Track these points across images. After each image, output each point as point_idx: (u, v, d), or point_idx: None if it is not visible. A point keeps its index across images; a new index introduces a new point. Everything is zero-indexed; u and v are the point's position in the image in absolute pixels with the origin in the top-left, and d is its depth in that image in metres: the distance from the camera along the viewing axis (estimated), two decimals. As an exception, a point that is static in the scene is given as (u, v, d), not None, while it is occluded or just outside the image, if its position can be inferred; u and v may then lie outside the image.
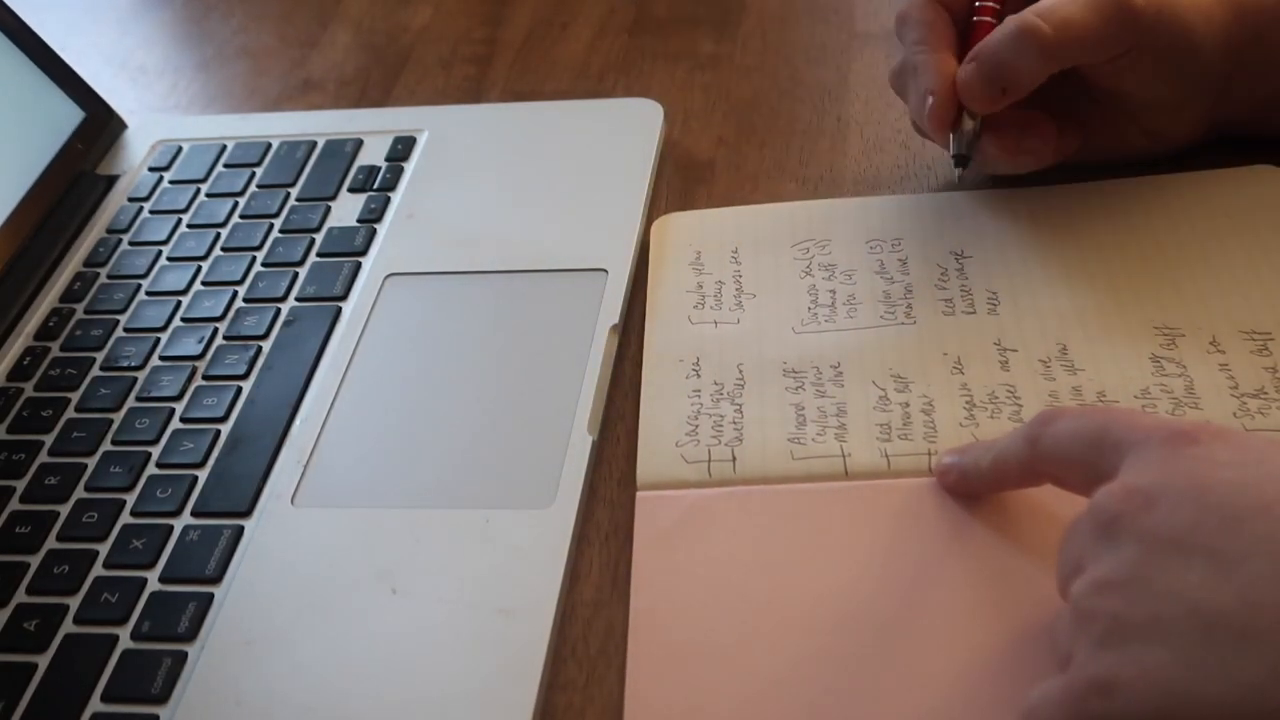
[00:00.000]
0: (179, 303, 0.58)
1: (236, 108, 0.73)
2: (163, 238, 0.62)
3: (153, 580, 0.47)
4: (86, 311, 0.59)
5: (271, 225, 0.61)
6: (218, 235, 0.62)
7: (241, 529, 0.48)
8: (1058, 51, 0.48)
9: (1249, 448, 0.34)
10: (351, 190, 0.63)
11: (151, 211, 0.64)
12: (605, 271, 0.55)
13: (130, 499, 0.50)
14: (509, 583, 0.44)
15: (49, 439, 0.53)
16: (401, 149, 0.65)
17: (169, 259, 0.61)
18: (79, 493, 0.50)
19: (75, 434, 0.53)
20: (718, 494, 0.46)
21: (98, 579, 0.47)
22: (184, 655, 0.44)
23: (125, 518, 0.49)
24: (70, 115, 0.67)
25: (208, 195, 0.64)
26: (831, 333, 0.51)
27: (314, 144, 0.66)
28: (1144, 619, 0.32)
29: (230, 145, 0.67)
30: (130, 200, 0.65)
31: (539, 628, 0.43)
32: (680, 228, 0.58)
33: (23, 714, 0.43)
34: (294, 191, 0.63)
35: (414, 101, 0.70)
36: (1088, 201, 0.54)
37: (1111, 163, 0.55)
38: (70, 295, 0.60)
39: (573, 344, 0.52)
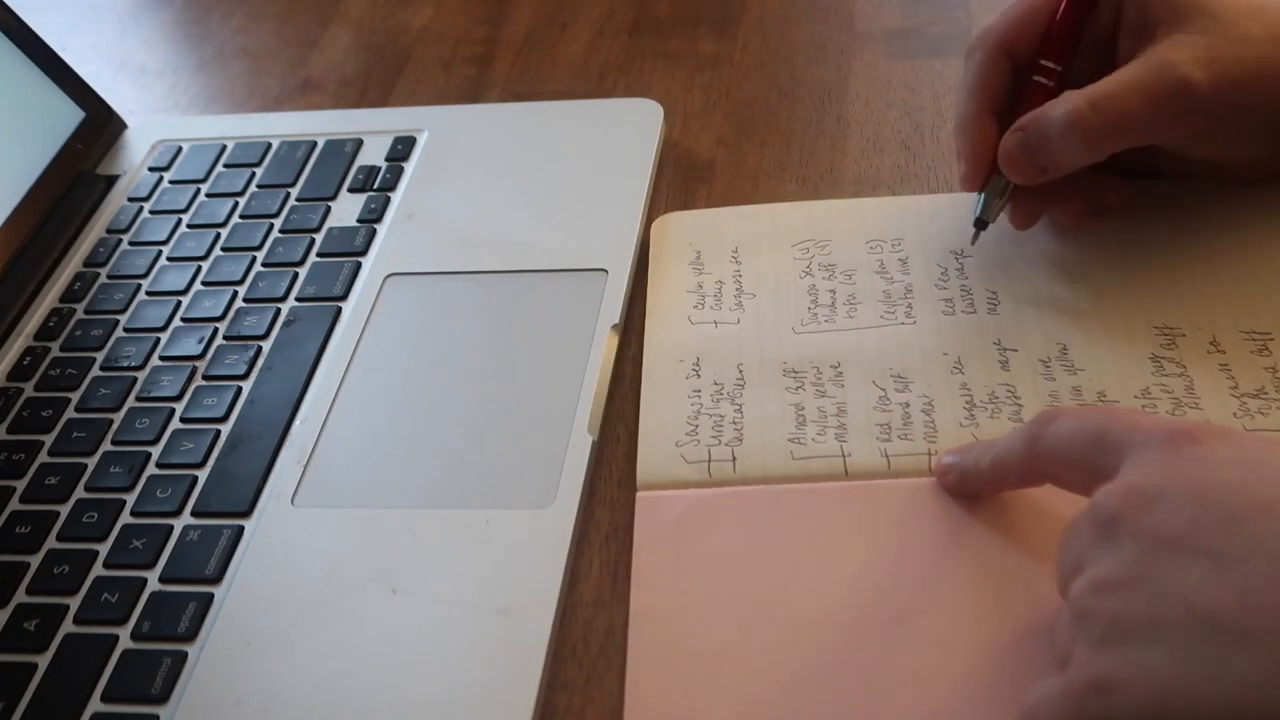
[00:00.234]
0: (179, 303, 0.58)
1: (236, 108, 0.73)
2: (163, 238, 0.62)
3: (153, 580, 0.47)
4: (86, 311, 0.59)
5: (271, 225, 0.61)
6: (218, 235, 0.62)
7: (241, 529, 0.48)
8: (1105, 142, 0.47)
9: (1249, 448, 0.34)
10: (351, 190, 0.63)
11: (151, 211, 0.64)
12: (605, 271, 0.55)
13: (130, 499, 0.50)
14: (509, 583, 0.44)
15: (49, 439, 0.53)
16: (401, 149, 0.65)
17: (169, 259, 0.61)
18: (79, 493, 0.50)
19: (75, 434, 0.53)
20: (718, 494, 0.46)
21: (98, 579, 0.47)
22: (184, 655, 0.44)
23: (125, 518, 0.49)
24: (70, 115, 0.67)
25: (208, 195, 0.64)
26: (831, 333, 0.51)
27: (314, 144, 0.66)
28: (1143, 619, 0.32)
29: (230, 145, 0.67)
30: (130, 200, 0.65)
31: (539, 628, 0.43)
32: (680, 228, 0.58)
33: (23, 714, 0.43)
34: (294, 191, 0.63)
35: (414, 101, 0.70)
36: (1088, 201, 0.54)
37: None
38: (70, 295, 0.60)
39: (573, 344, 0.52)
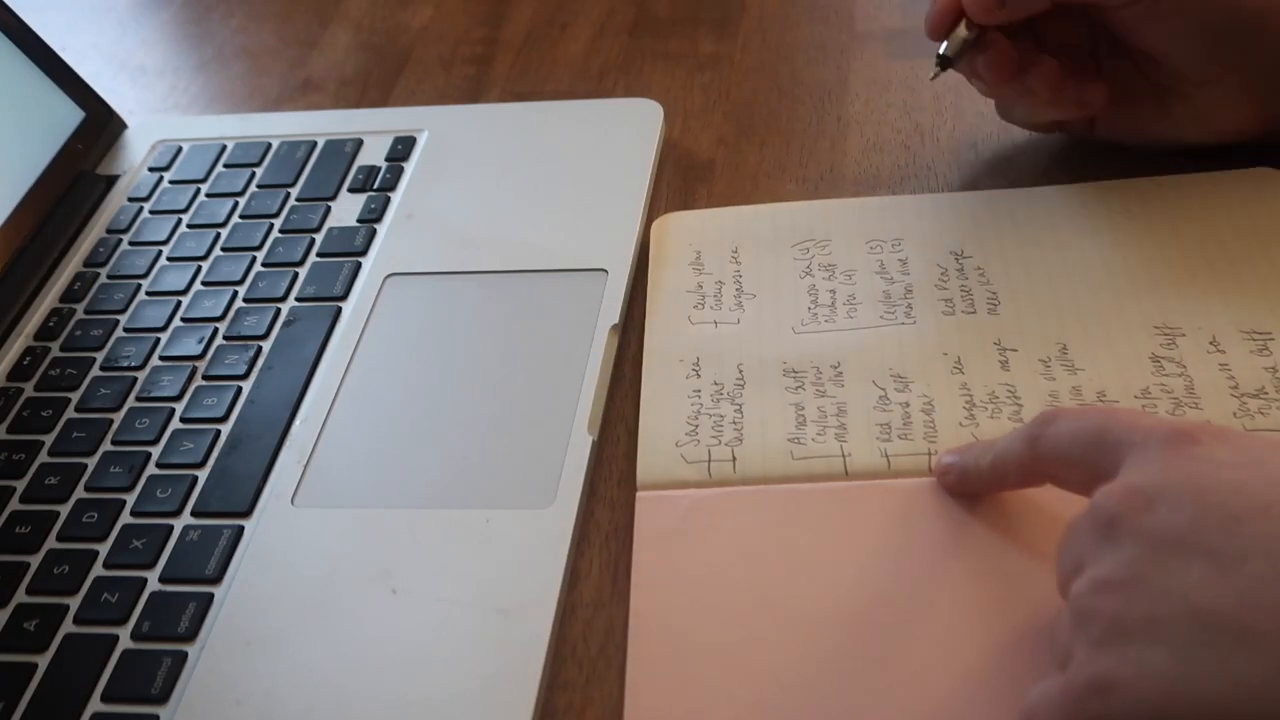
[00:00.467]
0: (179, 303, 0.58)
1: (236, 108, 0.73)
2: (163, 238, 0.62)
3: (153, 580, 0.47)
4: (86, 311, 0.59)
5: (271, 225, 0.61)
6: (218, 235, 0.62)
7: (241, 529, 0.48)
8: None
9: (1249, 448, 0.34)
10: (351, 190, 0.63)
11: (151, 211, 0.64)
12: (605, 271, 0.55)
13: (130, 499, 0.50)
14: (509, 583, 0.44)
15: (49, 439, 0.53)
16: (401, 149, 0.65)
17: (169, 259, 0.61)
18: (79, 493, 0.50)
19: (75, 434, 0.53)
20: (718, 494, 0.46)
21: (98, 579, 0.47)
22: (184, 655, 0.44)
23: (125, 518, 0.49)
24: (70, 115, 0.67)
25: (208, 195, 0.64)
26: (831, 333, 0.51)
27: (314, 144, 0.66)
28: (1143, 619, 0.32)
29: (230, 145, 0.67)
30: (130, 200, 0.65)
31: (539, 628, 0.43)
32: (680, 228, 0.58)
33: (23, 714, 0.43)
34: (294, 191, 0.63)
35: (414, 101, 0.70)
36: (1088, 202, 0.54)
37: (1153, 147, 0.54)
38: (70, 295, 0.60)
39: (573, 344, 0.52)
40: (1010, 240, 0.53)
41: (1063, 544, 0.36)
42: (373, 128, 0.66)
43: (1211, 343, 0.48)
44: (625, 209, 0.59)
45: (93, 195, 0.65)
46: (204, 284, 0.59)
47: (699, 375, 0.51)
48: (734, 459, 0.47)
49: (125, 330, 0.57)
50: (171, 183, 0.65)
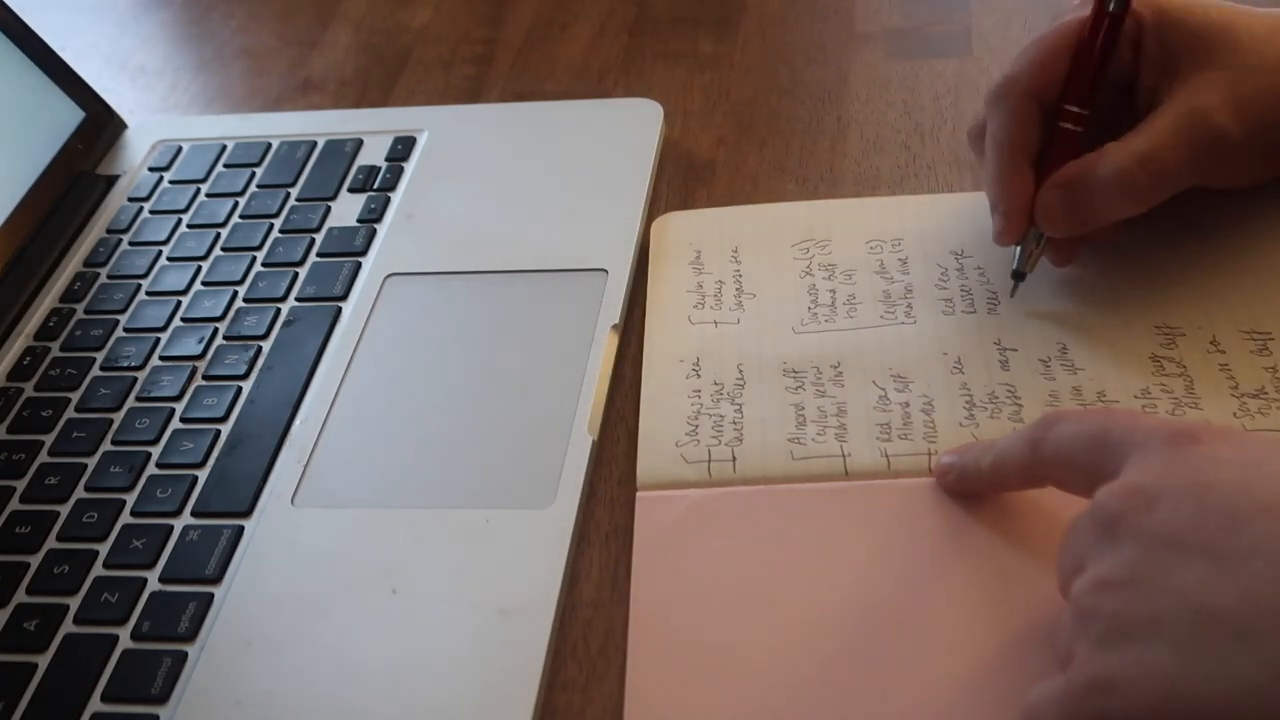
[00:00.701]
0: (179, 303, 0.58)
1: (236, 108, 0.73)
2: (163, 238, 0.62)
3: (153, 580, 0.47)
4: (86, 311, 0.59)
5: (271, 225, 0.61)
6: (218, 235, 0.62)
7: (241, 529, 0.48)
8: (1152, 198, 0.47)
9: (1250, 448, 0.34)
10: (351, 190, 0.63)
11: (151, 211, 0.64)
12: (605, 271, 0.55)
13: (130, 499, 0.50)
14: (509, 583, 0.44)
15: (49, 439, 0.53)
16: (401, 149, 0.64)
17: (169, 259, 0.61)
18: (79, 493, 0.50)
19: (75, 434, 0.53)
20: (718, 494, 0.46)
21: (98, 579, 0.47)
22: (184, 655, 0.44)
23: (125, 518, 0.49)
24: (70, 115, 0.67)
25: (208, 195, 0.64)
26: (831, 333, 0.51)
27: (314, 144, 0.66)
28: (1144, 618, 0.32)
29: (230, 145, 0.67)
30: (130, 200, 0.65)
31: (539, 628, 0.43)
32: (680, 227, 0.58)
33: (23, 714, 0.43)
34: (294, 191, 0.63)
35: (414, 101, 0.70)
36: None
37: None
38: (70, 295, 0.60)
39: (573, 344, 0.52)
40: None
41: (1064, 543, 0.36)
42: (373, 128, 0.66)
43: (1212, 343, 0.48)
44: (625, 209, 0.59)
45: (93, 195, 0.65)
46: (204, 284, 0.59)
47: (699, 375, 0.51)
48: (734, 459, 0.47)
49: (125, 330, 0.57)
50: (171, 183, 0.65)
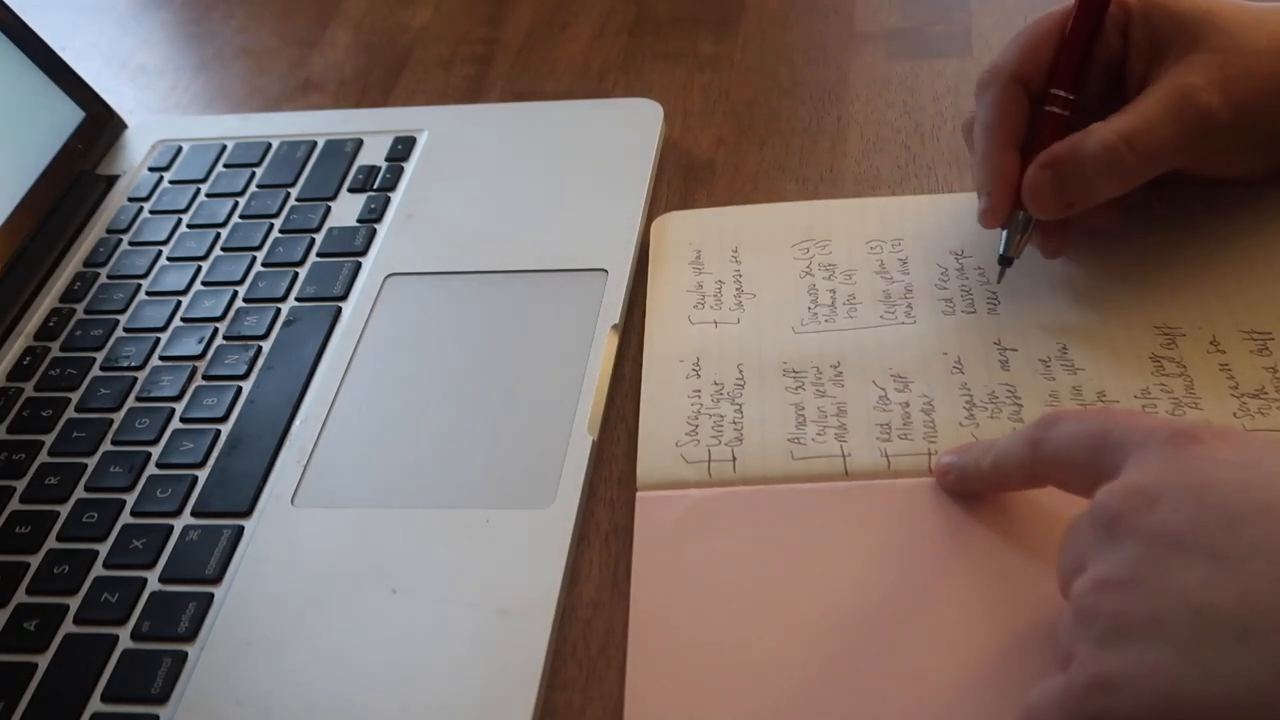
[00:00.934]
0: (179, 303, 0.58)
1: (236, 108, 0.73)
2: (163, 238, 0.62)
3: (153, 580, 0.47)
4: (86, 311, 0.59)
5: (271, 225, 0.61)
6: (218, 235, 0.62)
7: (241, 529, 0.48)
8: (1139, 176, 0.47)
9: (1251, 448, 0.34)
10: (351, 190, 0.63)
11: (151, 211, 0.64)
12: (605, 271, 0.55)
13: (130, 499, 0.50)
14: (509, 583, 0.44)
15: (49, 439, 0.53)
16: (401, 149, 0.64)
17: (169, 259, 0.61)
18: (79, 493, 0.50)
19: (75, 434, 0.53)
20: (718, 494, 0.46)
21: (98, 579, 0.47)
22: (184, 655, 0.44)
23: (125, 518, 0.49)
24: (70, 115, 0.67)
25: (208, 195, 0.64)
26: (831, 333, 0.51)
27: (314, 144, 0.66)
28: (1145, 618, 0.32)
29: (230, 145, 0.67)
30: (130, 200, 0.65)
31: (539, 628, 0.43)
32: (680, 227, 0.58)
33: (23, 714, 0.43)
34: (294, 191, 0.63)
35: (414, 101, 0.70)
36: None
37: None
38: (70, 295, 0.60)
39: (573, 344, 0.52)
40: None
41: (1064, 543, 0.36)
42: (373, 128, 0.66)
43: (1212, 343, 0.48)
44: (625, 209, 0.59)
45: (93, 195, 0.65)
46: (204, 284, 0.59)
47: (699, 375, 0.51)
48: (734, 459, 0.47)
49: (125, 330, 0.57)
50: (171, 183, 0.65)
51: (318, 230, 0.61)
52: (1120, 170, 0.47)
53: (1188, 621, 0.31)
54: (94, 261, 0.62)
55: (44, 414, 0.54)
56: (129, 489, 0.50)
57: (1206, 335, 0.48)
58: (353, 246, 0.59)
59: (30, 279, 0.60)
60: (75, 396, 0.54)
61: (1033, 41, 0.49)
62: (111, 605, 0.46)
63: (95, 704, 0.43)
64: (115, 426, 0.53)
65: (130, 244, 0.62)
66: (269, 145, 0.66)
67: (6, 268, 0.60)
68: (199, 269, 0.60)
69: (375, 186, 0.63)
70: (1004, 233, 0.50)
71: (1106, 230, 0.51)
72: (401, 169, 0.63)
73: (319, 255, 0.59)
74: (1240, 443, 0.35)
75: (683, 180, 0.61)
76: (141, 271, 0.60)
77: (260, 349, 0.55)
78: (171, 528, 0.48)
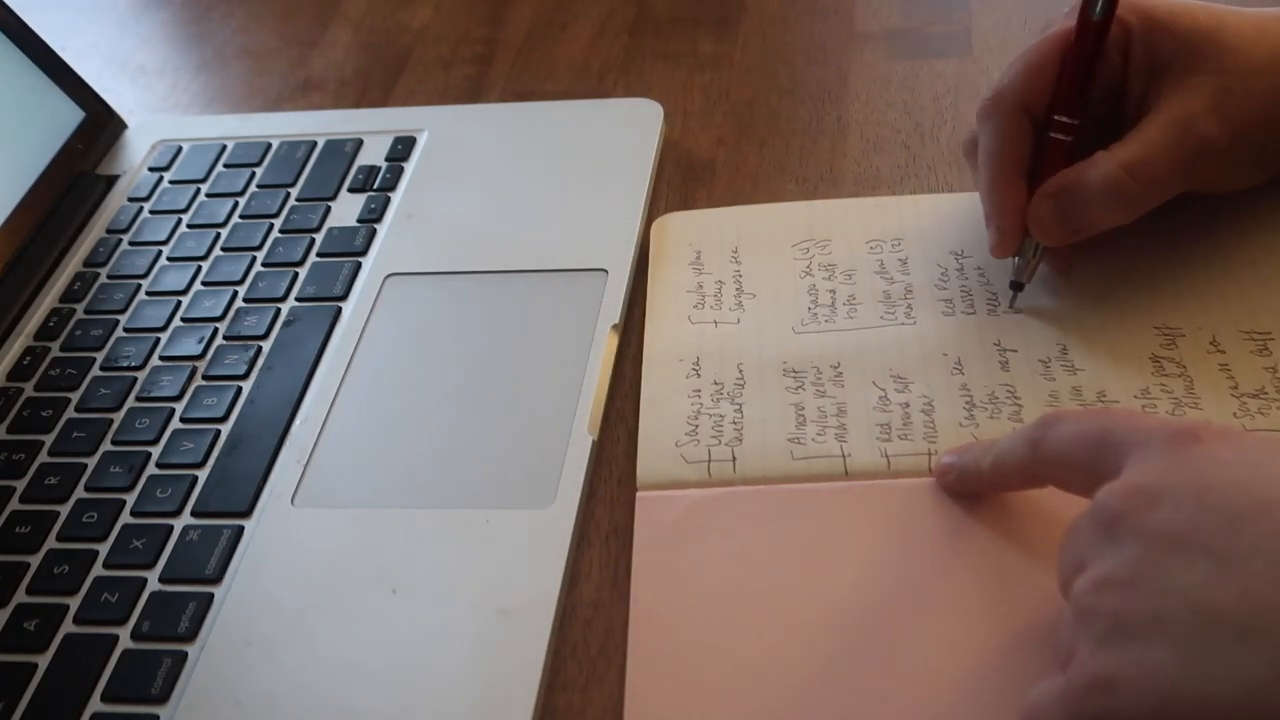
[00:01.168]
0: (179, 303, 0.58)
1: (236, 108, 0.73)
2: (163, 238, 0.62)
3: (153, 580, 0.47)
4: (86, 311, 0.59)
5: (271, 225, 0.61)
6: (218, 235, 0.62)
7: (241, 529, 0.48)
8: (1142, 206, 0.47)
9: (1251, 447, 0.34)
10: (351, 190, 0.63)
11: (151, 211, 0.64)
12: (605, 271, 0.55)
13: (130, 499, 0.50)
14: (509, 583, 0.44)
15: (49, 439, 0.53)
16: (401, 149, 0.65)
17: (169, 259, 0.61)
18: (79, 493, 0.50)
19: (75, 434, 0.53)
20: (718, 494, 0.46)
21: (98, 579, 0.47)
22: (184, 655, 0.44)
23: (125, 518, 0.49)
24: (70, 115, 0.67)
25: (208, 195, 0.64)
26: (831, 333, 0.51)
27: (314, 144, 0.66)
28: (1145, 617, 0.32)
29: (230, 145, 0.67)
30: (130, 200, 0.65)
31: (539, 628, 0.43)
32: (680, 228, 0.58)
33: (23, 714, 0.43)
34: (294, 191, 0.63)
35: (414, 101, 0.70)
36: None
37: None
38: (70, 295, 0.60)
39: (573, 344, 0.52)
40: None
41: (1064, 543, 0.36)
42: (373, 128, 0.66)
43: (1211, 343, 0.48)
44: (625, 209, 0.59)
45: (93, 195, 0.65)
46: (204, 284, 0.59)
47: (699, 375, 0.51)
48: (734, 459, 0.47)
49: (125, 330, 0.57)
50: (171, 183, 0.65)
51: (318, 230, 0.61)
52: (1124, 201, 0.47)
53: (1188, 621, 0.31)
54: (94, 261, 0.62)
55: (44, 414, 0.54)
56: (129, 489, 0.50)
57: (1206, 335, 0.48)
58: (353, 246, 0.59)
59: (30, 279, 0.60)
60: (75, 396, 0.54)
61: (1033, 66, 0.49)
62: (111, 605, 0.46)
63: (95, 704, 0.43)
64: (115, 426, 0.53)
65: (130, 244, 0.62)
66: (269, 145, 0.66)
67: (6, 268, 0.60)
68: (199, 269, 0.60)
69: (375, 186, 0.63)
70: (1014, 259, 0.50)
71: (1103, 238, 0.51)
72: (401, 169, 0.63)
73: (319, 255, 0.59)
74: (1240, 443, 0.35)
75: (683, 180, 0.61)
76: (141, 271, 0.60)
77: (260, 349, 0.55)
78: (171, 528, 0.48)
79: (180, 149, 0.67)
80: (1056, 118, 0.48)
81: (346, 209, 0.62)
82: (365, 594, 0.45)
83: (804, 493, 0.46)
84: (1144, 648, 0.32)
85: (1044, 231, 0.48)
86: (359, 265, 0.58)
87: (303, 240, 0.60)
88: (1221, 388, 0.46)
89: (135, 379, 0.55)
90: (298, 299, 0.57)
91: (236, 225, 0.62)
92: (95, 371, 0.56)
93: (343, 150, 0.65)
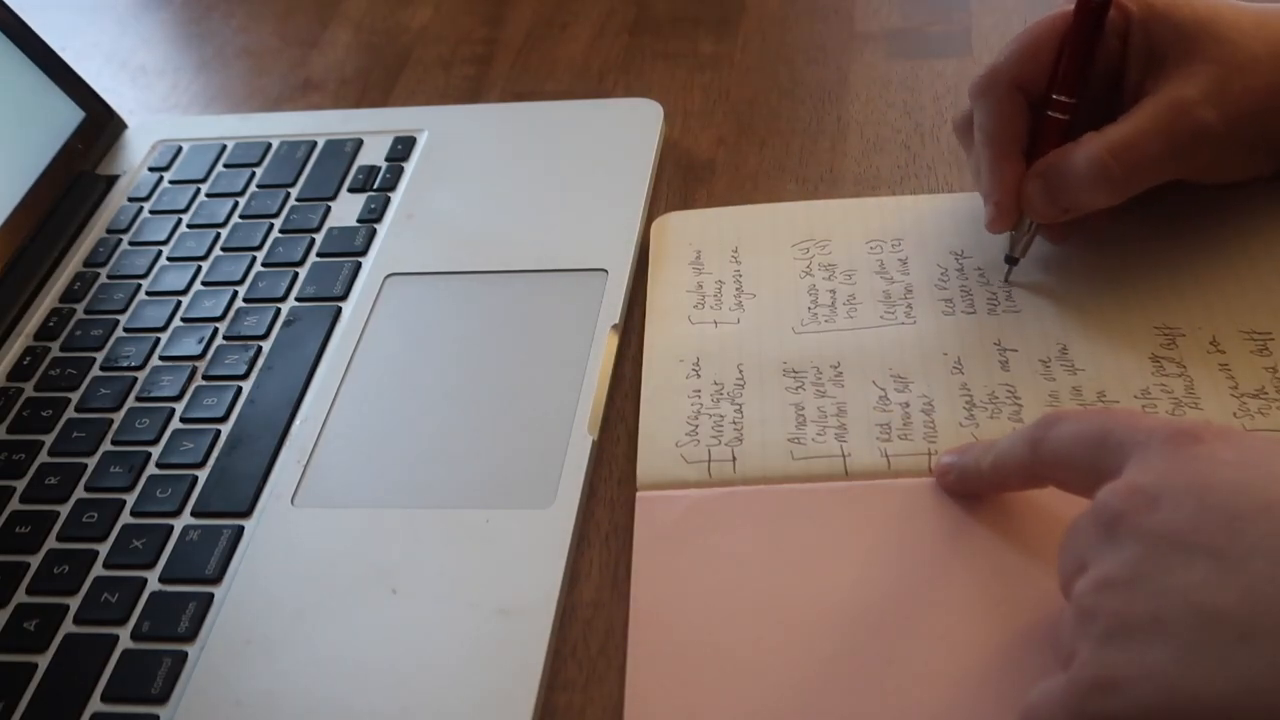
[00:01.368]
0: (179, 303, 0.58)
1: (236, 108, 0.73)
2: (163, 238, 0.62)
3: (153, 580, 0.47)
4: (86, 311, 0.59)
5: (271, 225, 0.61)
6: (218, 235, 0.62)
7: (241, 529, 0.48)
8: (1127, 189, 0.47)
9: (1251, 448, 0.34)
10: (351, 190, 0.63)
11: (151, 211, 0.64)
12: (605, 271, 0.55)
13: (130, 499, 0.50)
14: (509, 583, 0.44)
15: (49, 439, 0.53)
16: (401, 149, 0.64)
17: (169, 259, 0.61)
18: (79, 493, 0.50)
19: (75, 434, 0.53)
20: (718, 494, 0.46)
21: (98, 579, 0.47)
22: (184, 655, 0.44)
23: (125, 518, 0.49)
24: (70, 115, 0.67)
25: (208, 195, 0.64)
26: (831, 333, 0.51)
27: (314, 144, 0.66)
28: (1146, 617, 0.32)
29: (230, 145, 0.67)
30: (130, 200, 0.65)
31: (539, 628, 0.43)
32: (680, 227, 0.58)
33: (23, 714, 0.43)
34: (294, 191, 0.63)
35: (414, 101, 0.70)
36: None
37: None
38: (70, 295, 0.60)
39: (573, 344, 0.52)
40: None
41: (1065, 544, 0.36)
42: (373, 128, 0.66)
43: (1212, 343, 0.48)
44: (625, 209, 0.59)
45: (93, 195, 0.65)
46: (204, 284, 0.59)
47: (699, 375, 0.51)
48: (734, 459, 0.47)
49: (125, 330, 0.57)
50: (171, 183, 0.65)
51: (318, 230, 0.61)
52: (1106, 184, 0.47)
53: (1189, 621, 0.31)
54: (94, 261, 0.62)
55: (44, 414, 0.54)
56: (129, 489, 0.50)
57: (1206, 335, 0.48)
58: (353, 246, 0.59)
59: (30, 279, 0.60)
60: (75, 396, 0.54)
61: (1031, 46, 0.49)
62: (111, 605, 0.46)
63: (95, 704, 0.43)
64: (115, 426, 0.53)
65: (130, 244, 0.62)
66: (269, 145, 0.66)
67: (6, 268, 0.60)
68: (199, 269, 0.60)
69: (375, 186, 0.63)
70: (1010, 236, 0.51)
71: (1102, 228, 0.51)
72: (401, 169, 0.63)
73: (319, 255, 0.59)
74: (1241, 442, 0.35)
75: (683, 180, 0.61)
76: (141, 271, 0.60)
77: (260, 349, 0.55)
78: (171, 528, 0.48)
79: (180, 149, 0.67)
80: (1055, 97, 0.49)
81: (346, 209, 0.62)
82: (365, 594, 0.45)
83: (804, 493, 0.46)
84: (1144, 648, 0.32)
85: (1033, 209, 0.49)
86: (359, 265, 0.58)
87: (303, 240, 0.60)
88: (1222, 388, 0.46)
89: (135, 379, 0.55)
90: (298, 299, 0.57)
91: (236, 225, 0.62)
92: (95, 371, 0.56)
93: (343, 150, 0.65)
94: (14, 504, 0.50)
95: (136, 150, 0.68)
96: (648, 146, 0.62)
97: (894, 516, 0.44)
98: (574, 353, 0.52)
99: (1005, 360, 0.49)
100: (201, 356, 0.55)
